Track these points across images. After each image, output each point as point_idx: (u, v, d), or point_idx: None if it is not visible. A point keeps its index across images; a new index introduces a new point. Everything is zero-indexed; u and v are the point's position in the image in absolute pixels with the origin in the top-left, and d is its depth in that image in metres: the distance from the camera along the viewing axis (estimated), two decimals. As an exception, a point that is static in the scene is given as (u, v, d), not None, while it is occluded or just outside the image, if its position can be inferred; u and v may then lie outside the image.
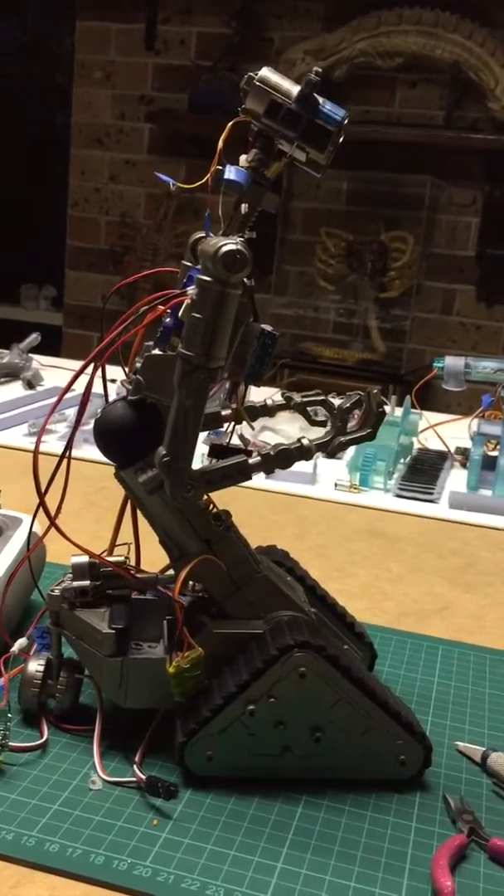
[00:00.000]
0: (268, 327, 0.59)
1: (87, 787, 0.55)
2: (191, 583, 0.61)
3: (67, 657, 0.62)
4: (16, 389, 1.57)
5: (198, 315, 0.54)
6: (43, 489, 0.58)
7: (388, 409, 1.52)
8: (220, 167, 0.56)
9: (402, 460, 1.35)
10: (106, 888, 0.48)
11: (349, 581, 0.93)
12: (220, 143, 0.56)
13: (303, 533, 1.06)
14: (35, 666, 0.61)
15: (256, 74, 0.54)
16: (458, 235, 3.13)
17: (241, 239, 0.55)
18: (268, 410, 0.64)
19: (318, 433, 0.60)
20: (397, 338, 3.05)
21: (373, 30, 2.99)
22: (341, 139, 0.55)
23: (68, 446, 0.59)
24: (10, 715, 0.56)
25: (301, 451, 0.58)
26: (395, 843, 0.53)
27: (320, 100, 0.54)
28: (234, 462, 0.58)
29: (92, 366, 0.59)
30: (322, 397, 0.61)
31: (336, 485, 1.23)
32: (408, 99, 3.14)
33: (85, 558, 0.62)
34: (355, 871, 0.50)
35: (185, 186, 0.58)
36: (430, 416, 1.54)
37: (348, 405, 0.59)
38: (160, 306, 0.58)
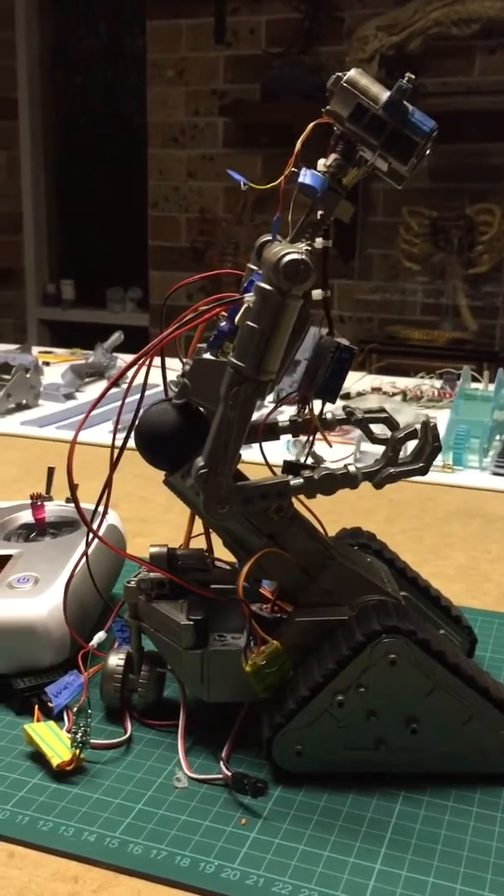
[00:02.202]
0: (344, 341, 0.55)
1: (172, 785, 0.52)
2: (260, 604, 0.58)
3: (149, 651, 0.60)
4: (102, 388, 1.57)
5: (253, 325, 0.51)
6: (106, 480, 0.56)
7: (480, 385, 1.47)
8: (296, 169, 0.53)
9: (498, 436, 1.29)
10: (192, 892, 0.45)
11: (445, 564, 0.89)
12: (298, 145, 0.53)
13: (394, 517, 1.01)
14: (115, 660, 0.59)
15: (344, 75, 0.51)
16: (547, 204, 3.01)
17: (308, 247, 0.52)
18: (327, 424, 0.60)
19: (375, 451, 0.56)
20: (489, 314, 2.95)
21: (446, -2, 2.91)
22: (428, 152, 0.51)
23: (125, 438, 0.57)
24: (90, 711, 0.54)
25: (346, 478, 0.55)
26: (504, 842, 0.49)
27: (410, 108, 0.50)
28: (274, 482, 0.55)
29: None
30: (385, 415, 0.57)
31: (428, 465, 1.18)
32: (487, 66, 3.03)
33: (163, 548, 0.59)
34: (461, 872, 0.46)
35: (256, 186, 0.55)
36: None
37: (402, 435, 0.55)
38: (217, 308, 0.55)
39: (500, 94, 2.94)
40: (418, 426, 0.56)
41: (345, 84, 0.50)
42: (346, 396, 1.59)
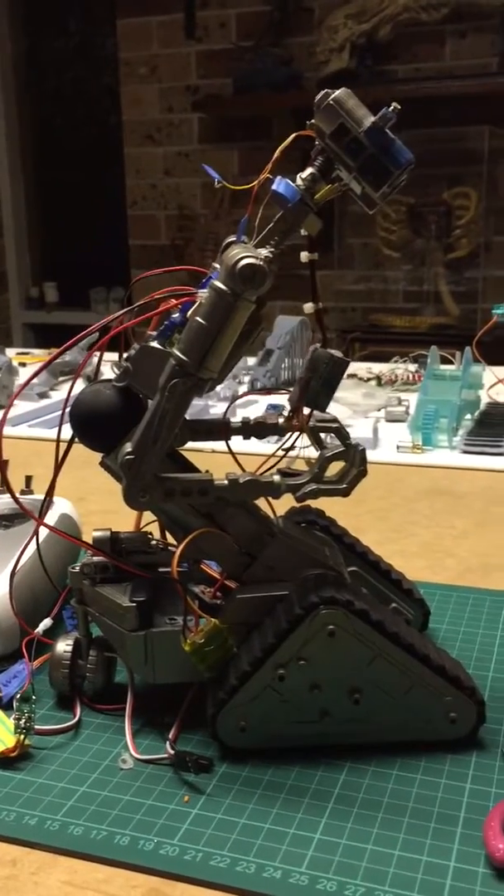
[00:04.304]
0: (338, 353, 0.56)
1: (118, 766, 0.52)
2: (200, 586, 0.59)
3: (97, 636, 0.60)
4: (78, 386, 1.57)
5: (202, 321, 0.51)
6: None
7: (453, 367, 1.47)
8: (271, 176, 0.53)
9: (468, 416, 1.29)
10: (130, 869, 0.45)
11: (408, 541, 0.89)
12: (278, 152, 0.53)
13: (362, 498, 1.01)
14: (63, 646, 0.59)
15: (333, 93, 0.51)
16: (525, 185, 3.01)
17: (270, 254, 0.52)
18: (279, 430, 0.61)
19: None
20: (470, 299, 2.95)
21: (413, -17, 2.91)
22: (402, 183, 0.52)
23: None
24: (34, 697, 0.54)
25: (269, 487, 0.55)
26: (447, 807, 0.49)
27: (391, 137, 0.51)
28: (198, 479, 0.55)
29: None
30: (336, 425, 0.57)
31: (398, 447, 1.18)
32: (459, 50, 3.03)
33: (106, 532, 0.59)
34: (400, 838, 0.46)
35: (231, 186, 0.56)
36: (501, 371, 1.47)
37: (330, 455, 0.56)
38: (173, 300, 0.55)
39: (472, 78, 2.94)
40: (351, 446, 0.56)
41: (331, 102, 0.51)
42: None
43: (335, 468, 0.56)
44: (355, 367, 1.72)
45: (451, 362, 1.51)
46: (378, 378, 1.57)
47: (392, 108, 0.50)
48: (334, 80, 3.04)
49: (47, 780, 0.51)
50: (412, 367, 1.62)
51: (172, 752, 0.52)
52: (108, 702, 0.59)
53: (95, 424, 0.56)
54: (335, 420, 0.58)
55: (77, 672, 0.59)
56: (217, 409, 1.34)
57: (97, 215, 3.86)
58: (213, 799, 0.50)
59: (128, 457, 0.53)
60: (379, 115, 0.51)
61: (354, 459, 0.56)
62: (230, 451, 0.58)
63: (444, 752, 0.53)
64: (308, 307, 0.56)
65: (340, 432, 0.57)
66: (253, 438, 0.61)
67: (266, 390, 1.53)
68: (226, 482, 0.55)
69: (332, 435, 0.57)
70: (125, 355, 0.56)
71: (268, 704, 0.52)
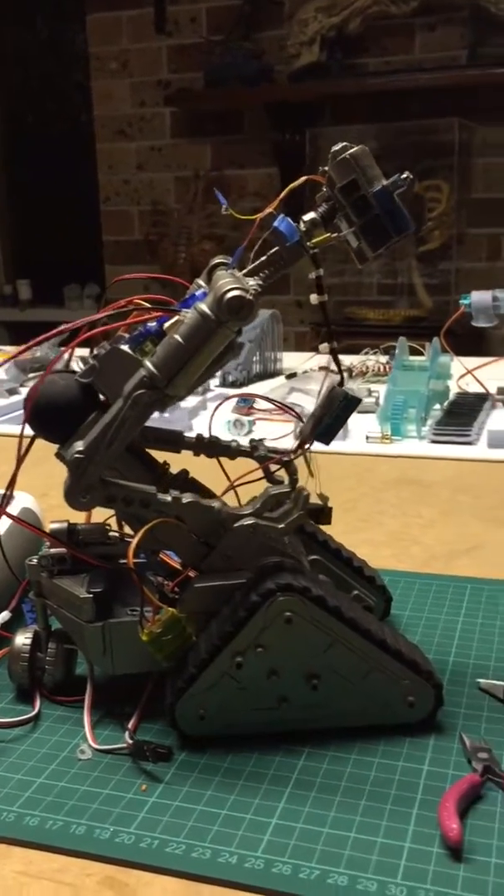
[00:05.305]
0: (352, 391, 0.57)
1: (76, 757, 0.52)
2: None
3: (56, 628, 0.59)
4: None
5: (181, 340, 0.52)
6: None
7: (423, 358, 1.47)
8: (274, 212, 0.54)
9: (437, 405, 1.29)
10: (85, 858, 0.45)
11: (375, 531, 0.89)
12: (286, 191, 0.55)
13: (329, 489, 1.01)
14: (22, 639, 0.58)
15: (351, 147, 0.52)
16: (496, 177, 3.02)
17: (258, 286, 0.53)
18: (230, 452, 0.62)
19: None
20: (443, 291, 2.96)
21: (382, -24, 2.91)
22: (395, 246, 0.54)
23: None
24: (-8, 690, 0.54)
25: (211, 513, 0.55)
26: (403, 789, 0.49)
27: (398, 203, 0.53)
28: (142, 490, 0.55)
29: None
30: (288, 458, 0.58)
31: (367, 437, 1.18)
32: (428, 43, 3.03)
33: (63, 523, 0.59)
34: (357, 820, 0.46)
35: (238, 216, 0.56)
36: (470, 361, 1.47)
37: (275, 493, 0.56)
38: (155, 312, 0.55)
39: (442, 70, 2.94)
40: (301, 489, 0.57)
41: (348, 156, 0.52)
42: (293, 375, 1.59)
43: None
44: (326, 359, 1.72)
45: (422, 354, 1.51)
46: (349, 370, 1.57)
47: (405, 175, 0.52)
48: (305, 73, 3.04)
49: (4, 773, 0.51)
50: (383, 358, 1.62)
51: (131, 741, 0.51)
52: (69, 694, 0.58)
53: (48, 413, 0.55)
54: (288, 452, 0.59)
55: (36, 664, 0.58)
56: (186, 403, 1.34)
57: (70, 212, 3.84)
58: (171, 787, 0.50)
59: (77, 455, 0.53)
60: (391, 180, 0.52)
61: (298, 502, 0.56)
62: (220, 463, 0.61)
63: (403, 736, 0.53)
64: (323, 347, 0.57)
65: (290, 466, 0.58)
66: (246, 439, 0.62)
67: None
68: (168, 499, 0.55)
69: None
70: (94, 352, 0.56)
71: (226, 692, 0.52)
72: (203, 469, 0.63)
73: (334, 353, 0.56)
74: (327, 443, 0.57)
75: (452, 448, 1.15)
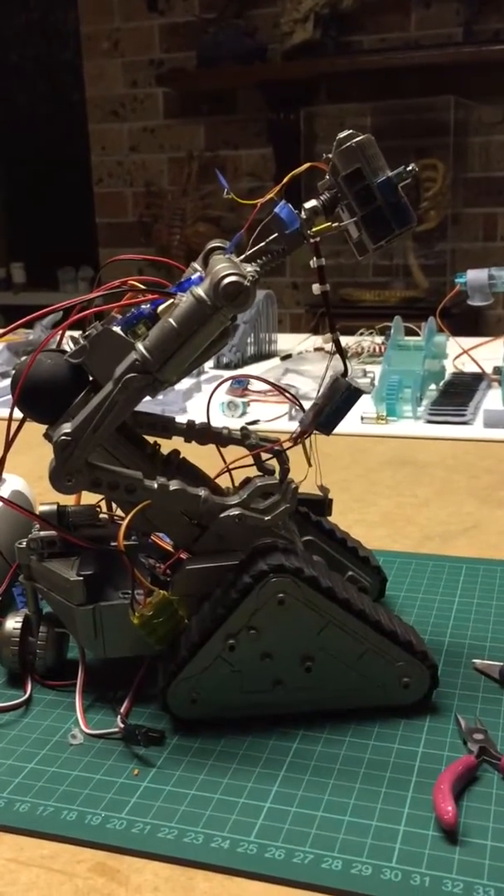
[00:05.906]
0: (356, 384, 0.56)
1: (67, 742, 0.52)
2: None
3: (47, 612, 0.59)
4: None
5: (175, 324, 0.51)
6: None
7: (419, 338, 1.46)
8: (276, 198, 0.53)
9: (433, 385, 1.28)
10: (76, 844, 0.44)
11: (369, 511, 0.88)
12: (288, 178, 0.54)
13: (324, 469, 1.00)
14: (12, 624, 0.58)
15: (358, 135, 0.51)
16: (492, 156, 2.99)
17: (255, 273, 0.52)
18: (221, 439, 0.61)
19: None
20: (439, 272, 2.94)
21: (376, -49, 2.87)
22: (396, 240, 0.53)
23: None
24: (-19, 675, 0.53)
25: (196, 501, 0.54)
26: (398, 771, 0.48)
27: (401, 195, 0.52)
28: (129, 475, 0.54)
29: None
30: (279, 448, 0.57)
31: (362, 418, 1.17)
32: (424, 20, 3.00)
33: (53, 506, 0.58)
34: (351, 803, 0.46)
35: (240, 201, 0.55)
36: (466, 342, 1.46)
37: (262, 484, 0.55)
38: (150, 294, 0.54)
39: (438, 48, 2.91)
40: (292, 482, 0.56)
41: (354, 145, 0.51)
42: (288, 357, 1.58)
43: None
44: (321, 340, 1.71)
45: (418, 335, 1.50)
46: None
47: (410, 168, 0.51)
48: (299, 51, 3.01)
49: (-5, 758, 0.50)
50: (379, 339, 1.61)
51: (123, 725, 0.51)
52: (60, 678, 0.58)
53: (34, 393, 0.54)
54: (278, 441, 0.58)
55: (27, 649, 0.58)
56: (180, 385, 1.33)
57: (63, 194, 3.81)
58: (164, 771, 0.49)
59: (63, 437, 0.52)
60: (395, 171, 0.51)
61: (286, 495, 0.55)
62: (217, 446, 0.60)
63: (398, 717, 0.53)
64: (326, 338, 0.56)
65: (281, 456, 0.57)
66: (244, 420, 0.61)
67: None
68: (154, 486, 0.54)
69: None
70: (85, 332, 0.55)
71: (219, 675, 0.52)
72: (199, 448, 0.62)
73: (338, 345, 0.55)
74: (328, 433, 0.56)
75: (448, 428, 1.14)
